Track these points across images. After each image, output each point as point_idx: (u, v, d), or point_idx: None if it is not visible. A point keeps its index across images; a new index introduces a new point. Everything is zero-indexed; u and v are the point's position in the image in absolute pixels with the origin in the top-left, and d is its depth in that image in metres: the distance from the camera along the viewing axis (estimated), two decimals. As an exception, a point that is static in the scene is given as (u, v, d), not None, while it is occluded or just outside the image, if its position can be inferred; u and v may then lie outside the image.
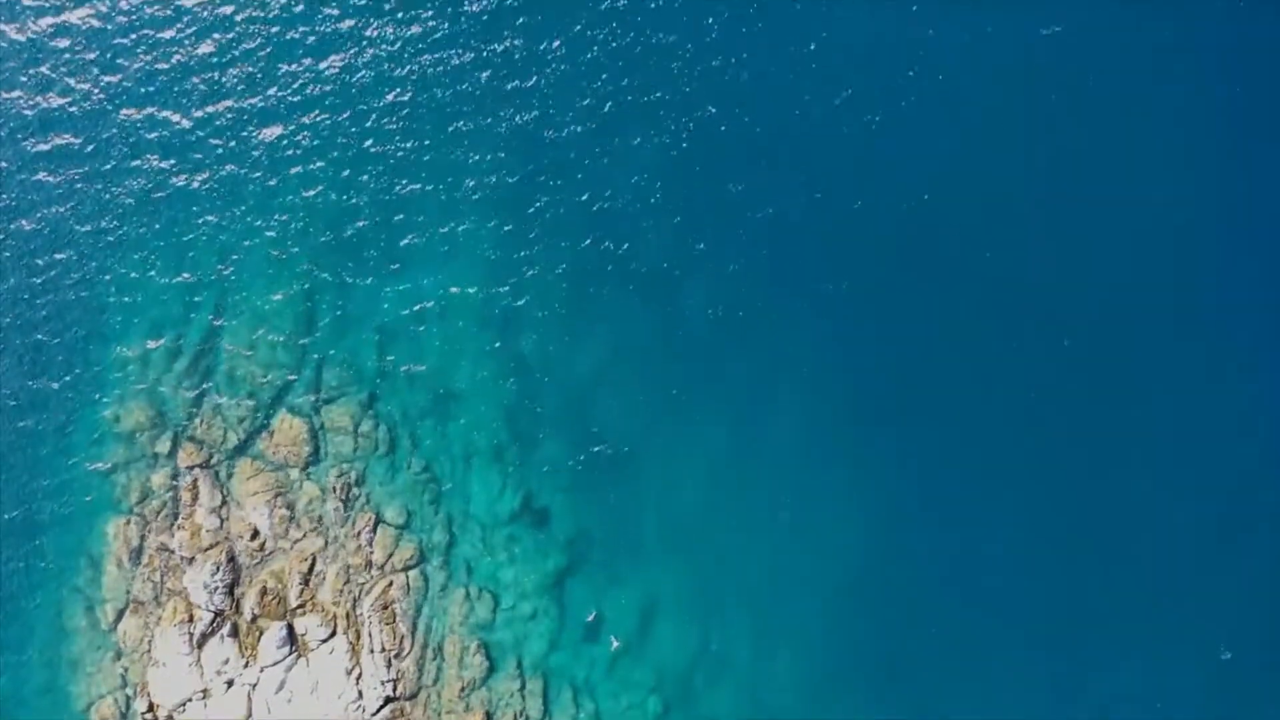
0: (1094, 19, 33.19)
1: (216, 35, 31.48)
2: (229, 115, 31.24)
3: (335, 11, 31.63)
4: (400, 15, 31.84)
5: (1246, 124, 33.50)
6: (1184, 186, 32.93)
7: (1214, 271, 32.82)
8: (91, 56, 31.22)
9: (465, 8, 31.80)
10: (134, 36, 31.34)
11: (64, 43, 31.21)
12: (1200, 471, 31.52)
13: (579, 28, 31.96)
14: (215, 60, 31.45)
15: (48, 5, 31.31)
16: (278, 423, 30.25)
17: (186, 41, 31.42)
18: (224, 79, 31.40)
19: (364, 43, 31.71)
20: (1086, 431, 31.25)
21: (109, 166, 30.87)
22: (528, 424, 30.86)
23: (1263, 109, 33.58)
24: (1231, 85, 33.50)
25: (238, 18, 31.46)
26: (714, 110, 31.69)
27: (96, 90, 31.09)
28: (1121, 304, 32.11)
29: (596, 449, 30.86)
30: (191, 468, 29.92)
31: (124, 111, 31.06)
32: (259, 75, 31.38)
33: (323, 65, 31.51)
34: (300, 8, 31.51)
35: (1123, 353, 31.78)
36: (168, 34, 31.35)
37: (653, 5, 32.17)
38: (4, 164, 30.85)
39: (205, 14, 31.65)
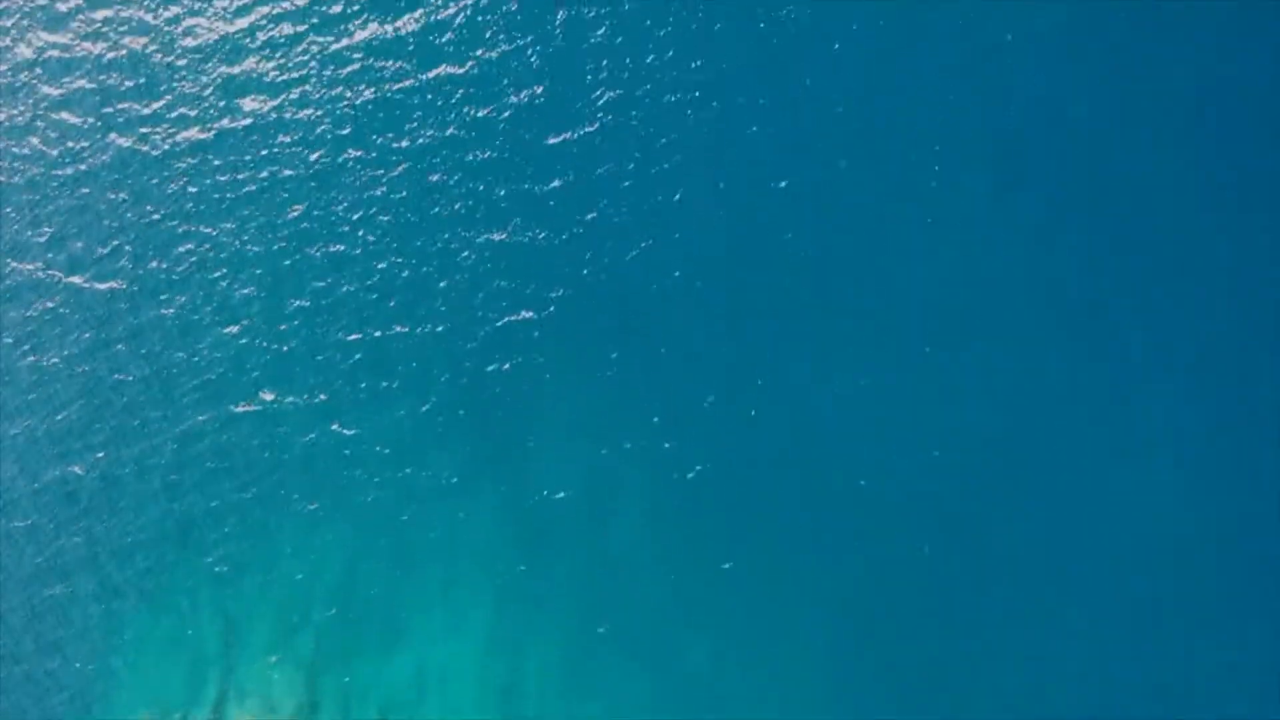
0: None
1: (207, 413, 32.57)
2: (231, 494, 32.06)
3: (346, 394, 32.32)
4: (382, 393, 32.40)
5: None
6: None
7: None
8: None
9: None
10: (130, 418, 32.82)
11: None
12: None
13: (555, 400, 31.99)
14: (213, 439, 32.46)
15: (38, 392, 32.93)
16: (279, 818, 30.17)
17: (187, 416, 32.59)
18: (222, 460, 32.33)
19: (365, 421, 32.31)
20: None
21: (109, 546, 31.94)
22: (530, 805, 30.24)
23: None
24: None
25: (234, 409, 32.51)
26: (704, 467, 31.46)
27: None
28: None
29: (603, 832, 30.07)
30: None
31: (122, 483, 32.22)
32: (263, 467, 32.16)
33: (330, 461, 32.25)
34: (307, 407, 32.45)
35: None
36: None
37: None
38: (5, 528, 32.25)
39: (194, 379, 32.78)
